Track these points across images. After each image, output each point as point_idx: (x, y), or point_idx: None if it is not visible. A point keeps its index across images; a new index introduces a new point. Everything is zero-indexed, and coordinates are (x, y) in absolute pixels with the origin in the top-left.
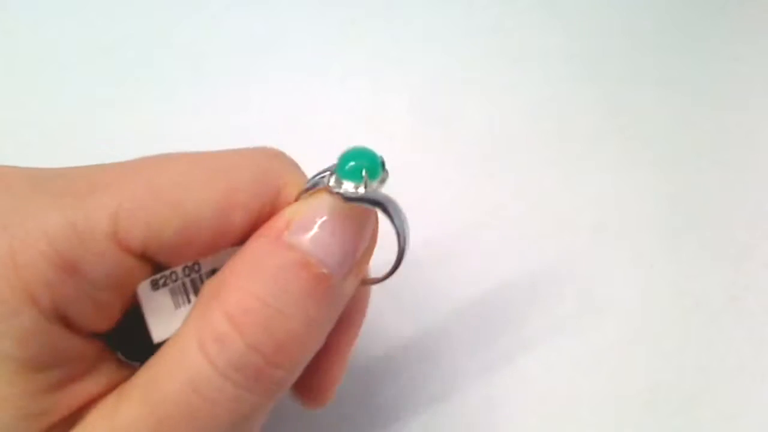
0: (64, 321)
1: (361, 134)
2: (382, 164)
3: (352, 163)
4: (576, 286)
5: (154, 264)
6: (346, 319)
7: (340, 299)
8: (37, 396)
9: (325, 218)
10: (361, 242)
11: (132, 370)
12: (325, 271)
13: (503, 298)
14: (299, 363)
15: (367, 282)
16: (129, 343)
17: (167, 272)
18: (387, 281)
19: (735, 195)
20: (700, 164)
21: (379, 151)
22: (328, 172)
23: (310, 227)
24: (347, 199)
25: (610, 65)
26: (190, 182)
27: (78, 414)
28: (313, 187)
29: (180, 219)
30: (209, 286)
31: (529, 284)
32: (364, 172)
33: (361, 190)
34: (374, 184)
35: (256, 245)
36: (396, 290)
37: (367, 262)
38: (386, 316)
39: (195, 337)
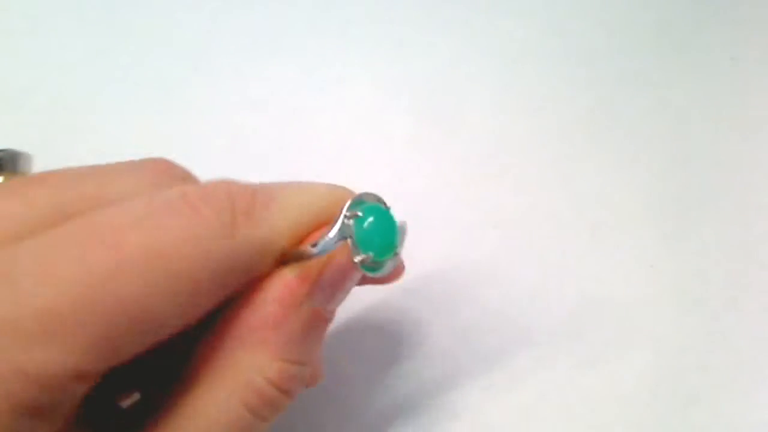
0: None
1: (361, 134)
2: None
3: (381, 240)
4: (576, 286)
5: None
6: None
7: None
8: None
9: (339, 279)
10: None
11: None
12: (330, 317)
13: (503, 297)
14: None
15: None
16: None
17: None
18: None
19: (735, 195)
20: (700, 164)
21: (378, 151)
22: (345, 240)
23: (329, 288)
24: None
25: (610, 65)
26: (148, 301)
27: None
28: (325, 249)
29: (144, 338)
30: (230, 348)
31: (529, 284)
32: (396, 249)
33: (390, 260)
34: (399, 249)
35: (278, 310)
36: (394, 290)
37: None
38: (385, 315)
39: (237, 402)
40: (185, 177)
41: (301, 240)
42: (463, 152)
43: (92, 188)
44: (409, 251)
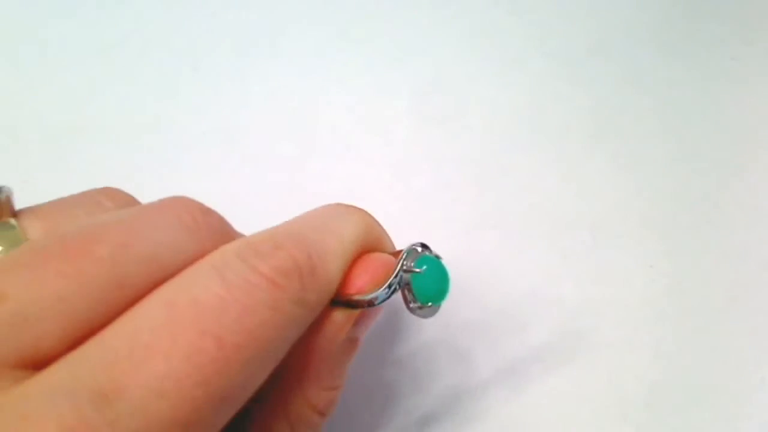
0: None
1: (361, 135)
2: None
3: (437, 289)
4: (576, 286)
5: None
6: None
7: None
8: None
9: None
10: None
11: None
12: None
13: (503, 297)
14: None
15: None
16: None
17: None
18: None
19: (735, 195)
20: (700, 164)
21: (378, 151)
22: (397, 291)
23: (367, 325)
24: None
25: (609, 64)
26: (251, 381)
27: None
28: (385, 299)
29: (233, 411)
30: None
31: (529, 284)
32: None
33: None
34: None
35: (328, 354)
36: None
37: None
38: (384, 315)
39: None
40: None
41: (347, 278)
42: (463, 152)
43: (144, 248)
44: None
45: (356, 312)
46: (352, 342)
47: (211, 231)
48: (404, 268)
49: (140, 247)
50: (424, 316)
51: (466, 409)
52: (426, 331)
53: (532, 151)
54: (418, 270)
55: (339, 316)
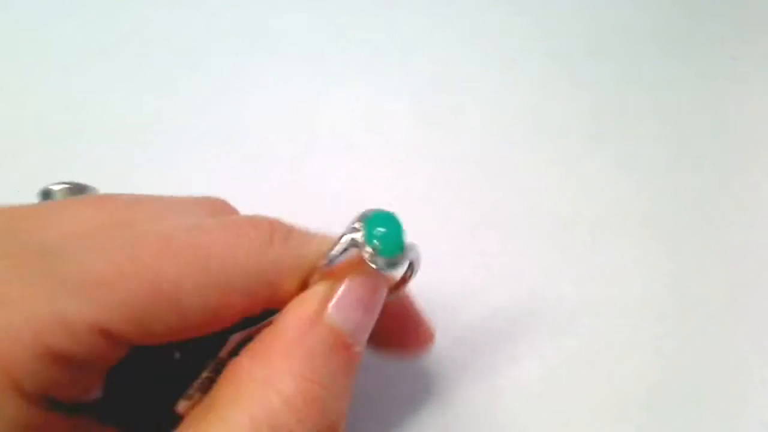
0: (49, 401)
1: (361, 135)
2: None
3: (385, 234)
4: (576, 286)
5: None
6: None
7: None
8: None
9: (358, 298)
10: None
11: (113, 430)
12: (358, 349)
13: (503, 298)
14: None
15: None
16: (107, 407)
17: (197, 383)
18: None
19: (735, 195)
20: (700, 164)
21: (378, 151)
22: (355, 237)
23: (347, 308)
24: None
25: (609, 64)
26: (184, 283)
27: None
28: (343, 251)
29: (173, 319)
30: (249, 365)
31: (529, 284)
32: (404, 247)
33: (399, 262)
34: (408, 251)
35: (297, 326)
36: None
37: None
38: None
39: (249, 421)
40: (236, 214)
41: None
42: (463, 152)
43: (158, 208)
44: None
45: (320, 285)
46: (337, 337)
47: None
48: (355, 226)
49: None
50: (388, 268)
51: (465, 409)
52: None
53: (532, 151)
54: (365, 220)
55: (306, 292)
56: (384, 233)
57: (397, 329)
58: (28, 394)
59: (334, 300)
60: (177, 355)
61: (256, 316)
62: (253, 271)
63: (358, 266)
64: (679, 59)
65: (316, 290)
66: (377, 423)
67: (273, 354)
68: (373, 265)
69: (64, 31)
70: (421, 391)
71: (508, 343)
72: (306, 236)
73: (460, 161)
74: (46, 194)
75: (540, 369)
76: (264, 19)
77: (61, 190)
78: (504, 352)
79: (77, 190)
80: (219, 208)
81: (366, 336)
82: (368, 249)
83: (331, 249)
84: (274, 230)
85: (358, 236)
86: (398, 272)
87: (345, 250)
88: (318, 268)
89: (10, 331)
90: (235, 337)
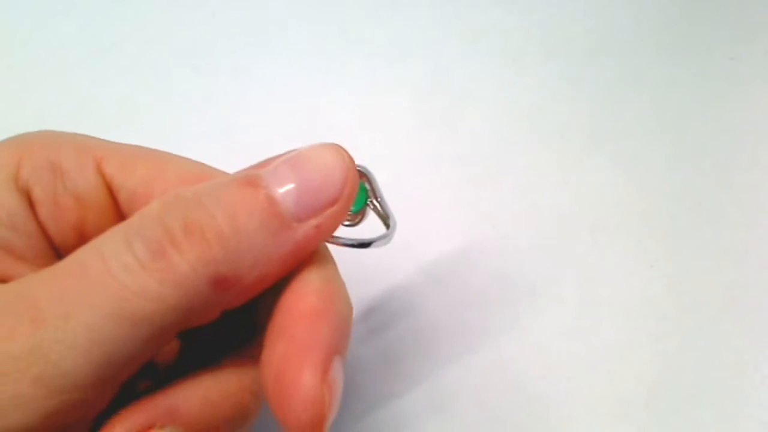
0: (29, 200)
1: (362, 134)
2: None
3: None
4: (576, 286)
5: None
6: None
7: (286, 235)
8: None
9: (292, 156)
10: (326, 189)
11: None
12: (272, 194)
13: (503, 298)
14: (208, 263)
15: (335, 242)
16: None
17: None
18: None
19: (735, 195)
20: (700, 164)
21: (378, 151)
22: None
23: (278, 160)
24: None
25: (609, 65)
26: (173, 160)
27: None
28: None
29: (149, 170)
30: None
31: (529, 284)
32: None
33: None
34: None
35: (235, 176)
36: (394, 289)
37: (332, 223)
38: (383, 314)
39: (121, 235)
40: None
41: None
42: (463, 152)
43: None
44: (409, 251)
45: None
46: (270, 200)
47: None
48: None
49: None
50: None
51: (464, 409)
52: (425, 330)
53: (532, 151)
54: None
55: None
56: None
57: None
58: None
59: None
60: None
61: None
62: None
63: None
64: (678, 60)
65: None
66: (371, 422)
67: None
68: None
69: (64, 31)
70: (416, 391)
71: (508, 343)
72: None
73: (460, 161)
74: None
75: (540, 369)
76: (264, 19)
77: None
78: (504, 352)
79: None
80: None
81: (291, 193)
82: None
83: None
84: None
85: None
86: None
87: None
88: None
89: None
90: None
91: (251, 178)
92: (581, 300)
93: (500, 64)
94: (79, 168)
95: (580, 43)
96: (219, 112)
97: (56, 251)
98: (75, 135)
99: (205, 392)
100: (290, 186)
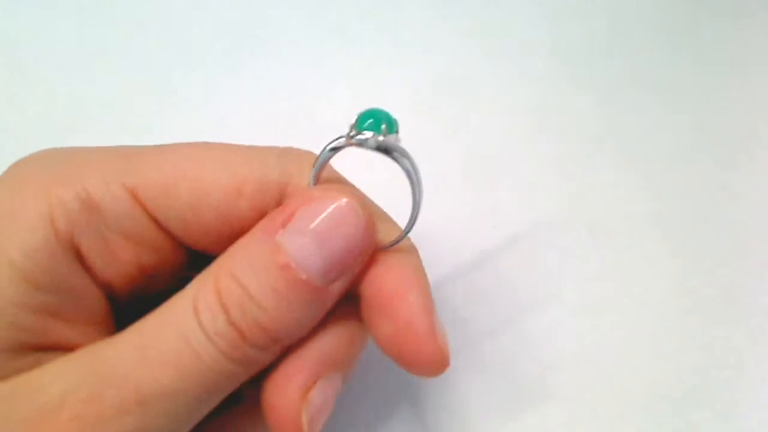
0: (76, 253)
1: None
2: (397, 123)
3: (371, 120)
4: (576, 286)
5: (167, 234)
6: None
7: (323, 299)
8: (27, 311)
9: (315, 225)
10: (349, 252)
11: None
12: (303, 276)
13: (503, 297)
14: (272, 346)
15: (385, 246)
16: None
17: None
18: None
19: (735, 195)
20: (700, 164)
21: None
22: (342, 138)
23: (303, 232)
24: (366, 146)
25: (609, 65)
26: (206, 165)
27: (56, 354)
28: (324, 161)
29: (192, 192)
30: (215, 262)
31: (529, 284)
32: (383, 126)
33: (381, 138)
34: (392, 136)
35: (253, 235)
36: None
37: (360, 265)
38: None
39: (191, 303)
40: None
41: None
42: (464, 152)
43: None
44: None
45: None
46: (285, 264)
47: None
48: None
49: None
50: (379, 149)
51: (464, 409)
52: None
53: (533, 150)
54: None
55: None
56: (375, 117)
57: (392, 326)
58: (59, 231)
59: (292, 223)
60: None
61: None
62: (265, 168)
63: (334, 191)
64: (680, 59)
65: (288, 205)
66: (370, 422)
67: (228, 253)
68: (363, 146)
69: (64, 31)
70: (413, 390)
71: (508, 343)
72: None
73: (461, 161)
74: None
75: (540, 369)
76: (264, 19)
77: None
78: (503, 353)
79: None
80: None
81: (328, 271)
82: (354, 132)
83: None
84: (294, 151)
85: (346, 133)
86: (392, 162)
87: (330, 157)
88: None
89: (63, 172)
90: None
91: (281, 260)
92: (581, 300)
93: (500, 64)
94: (115, 202)
95: (580, 43)
96: (218, 112)
97: (108, 293)
98: (83, 155)
99: (340, 337)
100: (318, 262)
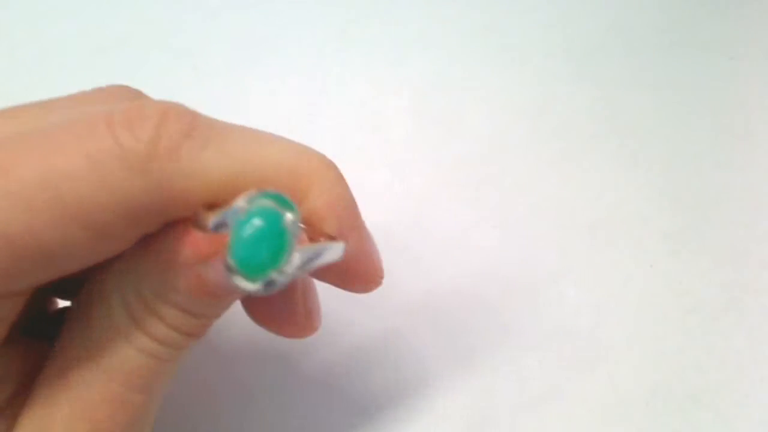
0: None
1: (361, 135)
2: (290, 220)
3: (252, 252)
4: (576, 286)
5: None
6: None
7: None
8: None
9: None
10: None
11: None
12: (221, 292)
13: (503, 297)
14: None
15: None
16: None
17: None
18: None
19: (735, 195)
20: (700, 164)
21: (378, 151)
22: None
23: (218, 268)
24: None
25: (609, 65)
26: (42, 228)
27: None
28: (219, 227)
29: (38, 267)
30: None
31: (529, 284)
32: (273, 271)
33: (271, 281)
34: (288, 268)
35: (167, 263)
36: (394, 289)
37: None
38: (383, 314)
39: (130, 319)
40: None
41: (228, 198)
42: (463, 152)
43: (46, 106)
44: (408, 251)
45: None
46: (199, 280)
47: None
48: (240, 204)
49: None
50: (246, 286)
51: (464, 409)
52: (424, 330)
53: (532, 150)
54: (245, 209)
55: (195, 230)
56: (249, 251)
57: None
58: None
59: (212, 264)
60: None
61: None
62: (130, 201)
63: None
64: (679, 59)
65: (198, 239)
66: (368, 417)
67: (141, 273)
68: (231, 277)
69: (64, 31)
70: (414, 390)
71: (508, 344)
72: (216, 136)
73: (460, 161)
74: None
75: (539, 369)
76: (264, 19)
77: None
78: (503, 353)
79: None
80: (113, 94)
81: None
82: (228, 259)
83: (219, 215)
84: (162, 130)
85: (233, 216)
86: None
87: (224, 225)
88: (200, 222)
89: None
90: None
91: (204, 286)
92: (581, 300)
93: (500, 64)
94: None
95: (580, 43)
96: (218, 112)
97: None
98: None
99: None
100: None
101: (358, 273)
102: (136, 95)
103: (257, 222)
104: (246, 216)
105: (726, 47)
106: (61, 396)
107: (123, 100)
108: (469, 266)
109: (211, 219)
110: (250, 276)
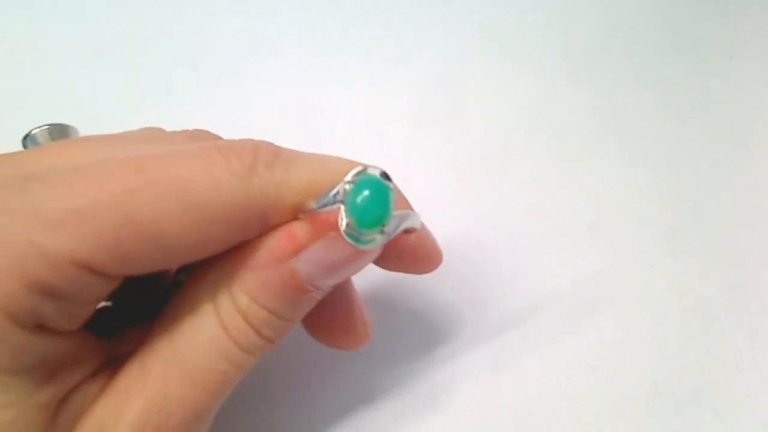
0: (45, 330)
1: (361, 135)
2: (391, 185)
3: (368, 211)
4: (576, 286)
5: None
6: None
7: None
8: (33, 394)
9: (329, 261)
10: (351, 271)
11: (107, 344)
12: (315, 295)
13: (503, 297)
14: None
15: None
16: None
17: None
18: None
19: (734, 194)
20: (700, 164)
21: (378, 151)
22: (340, 203)
23: (316, 264)
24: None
25: (609, 65)
26: (166, 215)
27: (71, 397)
28: (324, 206)
29: (154, 253)
30: (217, 278)
31: (528, 284)
32: (382, 227)
33: (378, 239)
34: (389, 227)
35: (263, 259)
36: (394, 289)
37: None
38: (384, 315)
39: (219, 326)
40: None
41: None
42: (463, 152)
43: (138, 143)
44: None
45: (303, 229)
46: (294, 279)
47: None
48: (347, 180)
49: None
50: (357, 244)
51: (464, 409)
52: (424, 330)
53: (532, 150)
54: (356, 180)
55: (287, 227)
56: (364, 211)
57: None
58: (25, 326)
59: (305, 253)
60: (182, 278)
61: None
62: (236, 202)
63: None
64: (679, 59)
65: (295, 231)
66: (368, 417)
67: (236, 275)
68: (348, 238)
69: (64, 31)
70: (416, 389)
71: (507, 343)
72: (296, 159)
73: (460, 161)
74: (29, 138)
75: (539, 369)
76: (264, 19)
77: (41, 131)
78: (503, 353)
79: (58, 129)
80: (198, 136)
81: (326, 287)
82: (345, 219)
83: (322, 197)
84: (258, 155)
85: (343, 194)
86: (377, 245)
87: (333, 202)
88: (306, 209)
89: (2, 269)
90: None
91: (297, 283)
92: (581, 300)
93: (500, 64)
94: (71, 283)
95: (580, 43)
96: (219, 112)
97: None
98: None
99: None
100: (328, 281)
101: (428, 251)
102: (218, 137)
103: (369, 188)
104: (358, 186)
105: (726, 47)
106: (137, 394)
107: (210, 140)
108: (468, 266)
109: (315, 201)
110: (366, 231)
